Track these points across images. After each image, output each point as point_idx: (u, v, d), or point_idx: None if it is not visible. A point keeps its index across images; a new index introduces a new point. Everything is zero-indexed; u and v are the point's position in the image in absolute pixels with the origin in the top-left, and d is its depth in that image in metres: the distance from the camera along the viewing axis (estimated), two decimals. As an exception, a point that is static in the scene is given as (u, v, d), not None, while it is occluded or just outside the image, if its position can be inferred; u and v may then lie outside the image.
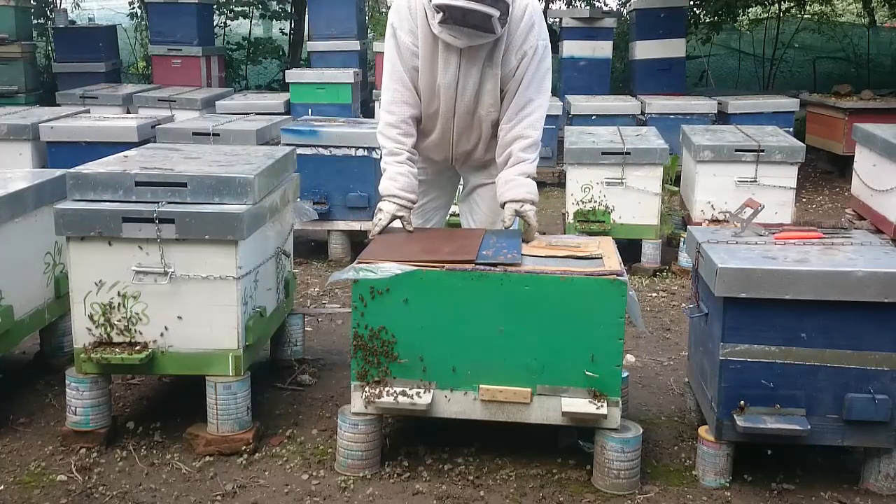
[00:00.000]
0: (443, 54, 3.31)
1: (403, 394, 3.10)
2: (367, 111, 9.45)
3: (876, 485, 3.12)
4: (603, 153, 5.78)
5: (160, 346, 3.27)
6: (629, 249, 5.54)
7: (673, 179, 6.93)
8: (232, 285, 3.23)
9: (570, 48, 10.70)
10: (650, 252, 5.86)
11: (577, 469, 3.21)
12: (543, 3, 14.08)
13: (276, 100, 8.91)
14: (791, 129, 8.31)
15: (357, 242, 6.03)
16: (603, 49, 10.67)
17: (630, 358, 4.31)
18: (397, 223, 3.45)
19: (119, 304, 3.25)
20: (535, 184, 3.42)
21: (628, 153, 5.76)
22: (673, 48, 10.64)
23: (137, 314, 3.25)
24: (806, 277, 2.96)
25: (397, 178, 3.40)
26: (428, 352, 3.09)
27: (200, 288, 3.23)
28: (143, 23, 12.84)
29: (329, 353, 4.34)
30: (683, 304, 4.99)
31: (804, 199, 8.42)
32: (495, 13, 3.09)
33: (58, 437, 3.39)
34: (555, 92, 10.40)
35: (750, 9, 14.56)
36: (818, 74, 14.07)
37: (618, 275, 3.01)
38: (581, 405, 3.04)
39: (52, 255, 3.91)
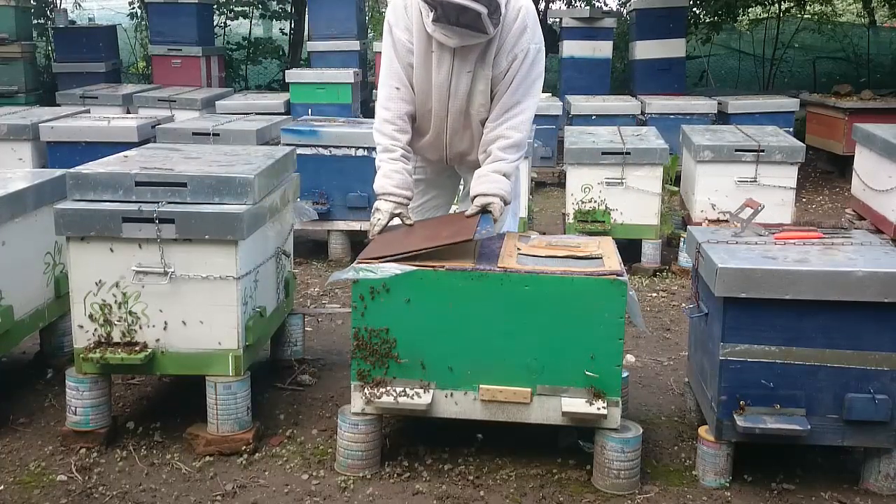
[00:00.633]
0: (436, 54, 3.32)
1: (403, 394, 3.10)
2: (367, 111, 9.44)
3: (876, 485, 3.12)
4: (603, 153, 5.78)
5: (160, 346, 3.27)
6: (629, 249, 5.54)
7: (673, 179, 6.93)
8: (232, 285, 3.23)
9: (570, 48, 10.70)
10: (650, 252, 5.86)
11: (577, 469, 3.21)
12: (543, 3, 14.08)
13: (276, 100, 8.91)
14: (791, 129, 8.31)
15: (357, 242, 6.02)
16: (603, 49, 10.67)
17: (630, 358, 4.31)
18: (396, 220, 3.45)
19: (119, 304, 3.25)
20: (508, 182, 3.39)
21: (628, 153, 5.76)
22: (673, 48, 10.64)
23: (137, 314, 3.25)
24: (806, 277, 2.97)
25: (392, 175, 3.39)
26: (428, 352, 3.09)
27: (200, 288, 3.23)
28: (143, 23, 12.84)
29: (329, 353, 4.34)
30: (683, 304, 4.99)
31: (804, 199, 8.42)
32: (483, 10, 3.09)
33: (58, 437, 3.39)
34: (555, 92, 10.43)
35: (750, 9, 14.57)
36: (818, 74, 14.08)
37: (618, 275, 3.01)
38: (581, 405, 3.04)
39: (52, 255, 3.91)
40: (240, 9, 13.43)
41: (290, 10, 13.60)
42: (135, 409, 3.68)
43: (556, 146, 8.52)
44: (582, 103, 8.73)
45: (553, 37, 13.26)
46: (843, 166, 9.10)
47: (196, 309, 3.24)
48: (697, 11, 13.21)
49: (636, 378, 4.06)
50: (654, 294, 5.42)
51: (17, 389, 3.83)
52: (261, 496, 3.05)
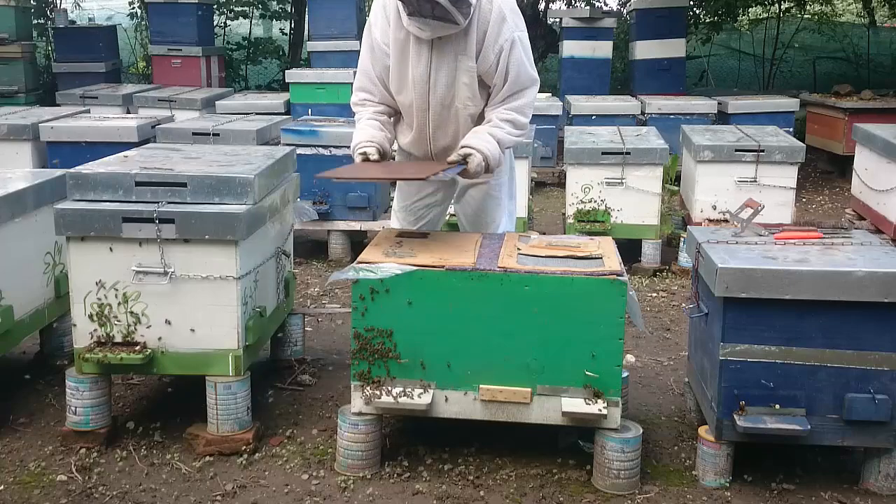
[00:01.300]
0: (414, 48, 3.37)
1: (403, 394, 3.10)
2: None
3: (876, 485, 3.12)
4: (603, 153, 5.78)
5: (160, 346, 3.27)
6: (629, 249, 5.54)
7: (673, 179, 6.93)
8: (232, 285, 3.23)
9: (570, 48, 10.70)
10: (650, 252, 5.86)
11: (577, 469, 3.21)
12: (543, 3, 14.08)
13: (276, 100, 8.91)
14: (791, 129, 8.31)
15: (357, 242, 6.03)
16: (603, 49, 10.66)
17: (630, 358, 4.31)
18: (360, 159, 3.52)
19: (119, 304, 3.25)
20: (496, 146, 3.39)
21: (628, 153, 5.76)
22: (673, 48, 10.64)
23: (137, 314, 3.25)
24: (806, 277, 2.97)
25: (355, 135, 3.52)
26: (428, 352, 3.09)
27: (200, 288, 3.23)
28: (143, 23, 12.83)
29: (329, 353, 4.34)
30: (683, 304, 4.99)
31: (804, 199, 8.42)
32: (444, 1, 3.12)
33: (58, 437, 3.39)
34: (555, 92, 10.43)
35: (750, 9, 14.57)
36: (818, 74, 14.08)
37: (618, 275, 3.01)
38: (581, 405, 3.04)
39: (52, 255, 3.91)
40: (240, 9, 13.43)
41: (290, 10, 13.60)
42: (135, 409, 3.68)
43: (556, 146, 8.51)
44: (582, 103, 8.73)
45: (553, 37, 13.29)
46: (843, 166, 9.10)
47: (196, 309, 3.24)
48: (697, 11, 13.21)
49: (636, 378, 4.06)
50: (654, 294, 5.42)
51: (17, 389, 3.83)
52: (261, 496, 3.06)
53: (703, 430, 3.18)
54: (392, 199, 4.02)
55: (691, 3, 12.49)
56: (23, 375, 3.96)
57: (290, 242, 3.99)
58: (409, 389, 3.11)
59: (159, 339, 3.26)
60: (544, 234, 4.68)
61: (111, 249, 3.22)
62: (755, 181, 5.76)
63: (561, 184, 7.86)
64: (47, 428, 3.52)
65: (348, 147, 5.84)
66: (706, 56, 14.16)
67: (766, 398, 3.04)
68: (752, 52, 14.61)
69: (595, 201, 5.82)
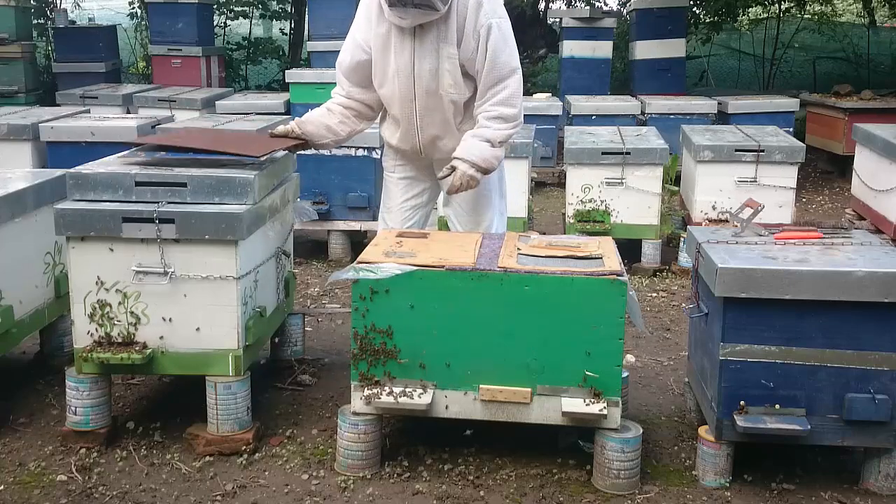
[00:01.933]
0: (397, 39, 3.45)
1: (403, 394, 3.10)
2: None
3: (876, 485, 3.12)
4: (603, 153, 5.78)
5: (160, 346, 3.27)
6: (629, 249, 5.54)
7: (673, 179, 6.92)
8: (232, 285, 3.23)
9: (570, 48, 10.69)
10: (650, 252, 5.86)
11: (577, 469, 3.21)
12: (543, 3, 14.08)
13: (276, 100, 8.90)
14: (791, 129, 8.30)
15: (357, 242, 6.03)
16: (603, 49, 10.66)
17: (630, 358, 4.31)
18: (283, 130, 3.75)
19: (119, 304, 3.25)
20: (489, 149, 3.47)
21: (628, 153, 5.76)
22: (673, 48, 10.63)
23: (137, 314, 3.25)
24: (806, 277, 2.97)
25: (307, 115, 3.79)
26: (428, 352, 3.09)
27: (200, 288, 3.23)
28: (143, 23, 12.83)
29: (329, 353, 4.34)
30: (683, 304, 4.99)
31: (804, 199, 8.42)
32: None
33: (58, 437, 3.39)
34: (555, 92, 10.43)
35: (750, 9, 14.56)
36: (818, 74, 14.07)
37: (618, 275, 3.01)
38: (581, 405, 3.04)
39: (52, 255, 3.91)
40: (240, 9, 13.42)
41: (290, 10, 13.59)
42: (135, 409, 3.68)
43: (556, 146, 8.52)
44: (582, 103, 8.73)
45: (553, 37, 13.29)
46: (843, 166, 9.10)
47: (196, 309, 3.24)
48: (697, 11, 13.21)
49: (636, 378, 4.06)
50: (654, 294, 5.42)
51: (17, 389, 3.83)
52: (261, 496, 3.05)
53: (703, 430, 3.18)
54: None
55: (691, 3, 12.48)
56: (23, 375, 3.95)
57: (290, 242, 3.99)
58: (409, 389, 3.11)
59: (159, 339, 3.26)
60: (544, 234, 4.68)
61: (111, 249, 3.22)
62: (755, 181, 5.76)
63: (561, 184, 7.85)
64: (47, 428, 3.52)
65: (348, 147, 5.93)
66: (706, 56, 14.16)
67: (766, 398, 3.04)
68: (752, 52, 14.60)
69: (595, 201, 5.82)
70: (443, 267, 3.06)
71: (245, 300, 3.30)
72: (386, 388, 3.12)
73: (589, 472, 3.16)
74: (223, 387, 3.27)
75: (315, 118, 3.78)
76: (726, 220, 5.40)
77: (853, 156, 6.66)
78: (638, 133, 6.39)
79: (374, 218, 5.97)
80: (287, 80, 9.03)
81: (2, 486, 3.11)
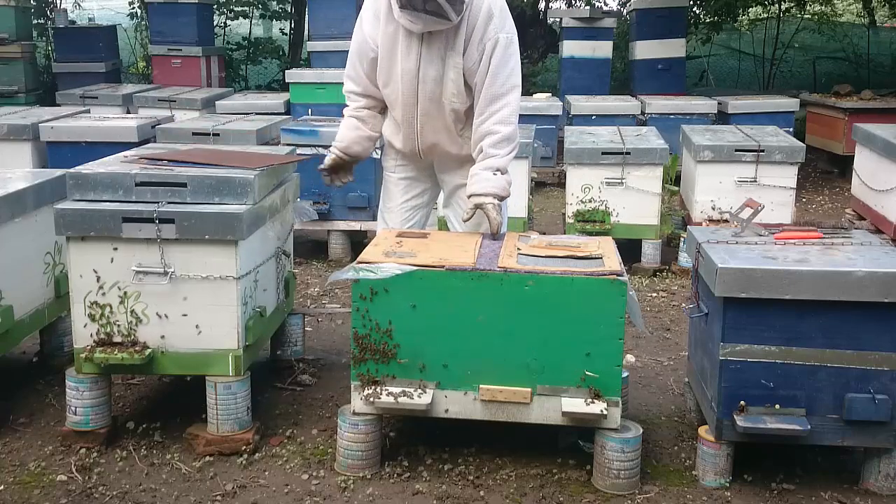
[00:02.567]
0: (404, 41, 3.39)
1: (403, 394, 3.10)
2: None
3: (876, 485, 3.12)
4: (603, 153, 5.78)
5: (160, 346, 3.27)
6: (629, 249, 5.54)
7: (673, 179, 6.92)
8: (232, 285, 3.23)
9: (570, 48, 10.69)
10: (650, 252, 5.86)
11: (577, 469, 3.21)
12: (543, 3, 14.08)
13: (276, 100, 8.91)
14: (791, 129, 8.31)
15: (357, 242, 6.03)
16: (603, 49, 10.66)
17: (630, 358, 4.31)
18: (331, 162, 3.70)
19: (119, 304, 3.24)
20: (502, 178, 3.45)
21: (628, 153, 5.76)
22: (673, 48, 10.64)
23: (137, 314, 3.25)
24: (806, 277, 2.97)
25: (339, 132, 3.71)
26: (428, 352, 3.09)
27: (200, 288, 3.23)
28: (143, 23, 12.84)
29: (329, 353, 4.34)
30: (683, 304, 4.99)
31: (804, 199, 8.42)
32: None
33: (58, 437, 3.39)
34: (555, 92, 10.42)
35: (750, 9, 14.56)
36: (818, 74, 14.07)
37: (618, 275, 3.01)
38: (581, 405, 3.04)
39: (52, 255, 3.91)
40: (240, 9, 13.43)
41: (290, 10, 13.59)
42: (135, 409, 3.68)
43: (556, 146, 8.52)
44: (582, 103, 8.73)
45: (553, 37, 13.28)
46: (843, 166, 9.11)
47: (196, 309, 3.24)
48: (697, 11, 13.21)
49: (636, 378, 4.06)
50: (654, 294, 5.42)
51: (17, 389, 3.83)
52: (261, 496, 3.06)
53: (703, 430, 3.18)
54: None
55: (691, 3, 12.48)
56: (23, 375, 3.95)
57: (290, 242, 3.99)
58: (409, 389, 3.11)
59: (159, 339, 3.26)
60: (544, 234, 4.67)
61: (111, 249, 3.22)
62: (755, 181, 5.76)
63: (561, 184, 7.86)
64: (47, 428, 3.52)
65: (348, 147, 5.91)
66: (706, 56, 14.16)
67: (766, 398, 3.04)
68: (752, 52, 14.61)
69: (595, 201, 5.82)
70: (443, 267, 3.06)
71: (245, 300, 3.30)
72: (386, 388, 3.12)
73: (589, 472, 3.16)
74: (223, 387, 3.27)
75: (353, 136, 3.67)
76: (726, 221, 5.40)
77: (853, 156, 6.66)
78: (638, 133, 6.39)
79: (374, 218, 5.96)
80: (287, 80, 9.05)
81: (2, 486, 3.11)
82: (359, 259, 3.15)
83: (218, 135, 6.17)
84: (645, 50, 10.66)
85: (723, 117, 8.66)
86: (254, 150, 4.30)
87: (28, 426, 3.55)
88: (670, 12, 10.64)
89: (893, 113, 8.61)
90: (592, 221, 5.79)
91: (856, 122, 6.95)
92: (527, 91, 9.35)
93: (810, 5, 14.79)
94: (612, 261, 3.16)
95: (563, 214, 6.15)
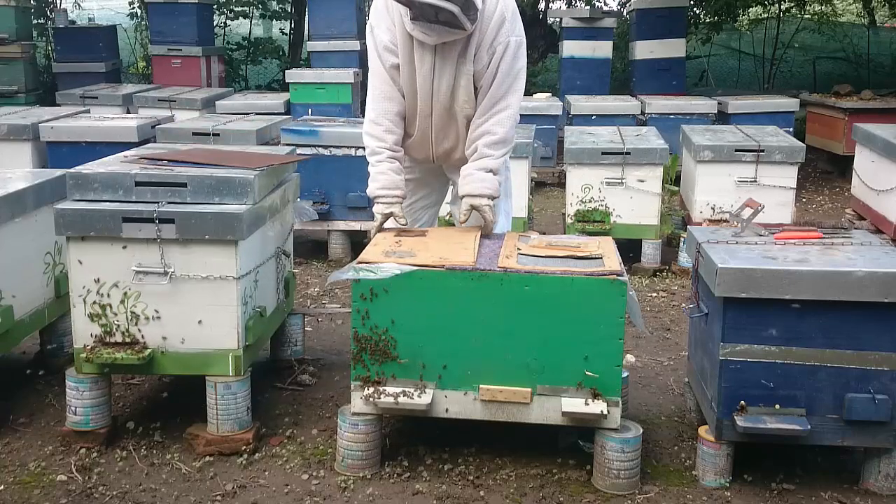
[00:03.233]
0: (417, 52, 3.36)
1: (403, 394, 3.10)
2: (367, 111, 9.44)
3: (876, 485, 3.12)
4: (603, 153, 5.78)
5: (160, 346, 3.27)
6: (629, 249, 5.54)
7: (673, 179, 6.92)
8: (232, 285, 3.23)
9: (570, 48, 10.69)
10: (650, 252, 5.86)
11: (577, 469, 3.21)
12: (543, 3, 14.07)
13: (276, 100, 8.91)
14: (791, 129, 8.31)
15: (357, 242, 6.03)
16: (603, 49, 10.66)
17: (630, 358, 4.31)
18: (392, 222, 3.51)
19: (119, 304, 3.24)
20: (495, 179, 3.45)
21: (628, 153, 5.76)
22: (673, 48, 10.63)
23: (137, 314, 3.25)
24: (806, 277, 2.97)
25: (378, 178, 3.49)
26: (428, 352, 3.09)
27: (200, 288, 3.23)
28: (143, 23, 12.83)
29: (329, 353, 4.34)
30: (683, 304, 4.99)
31: (804, 199, 8.42)
32: (455, 8, 3.11)
33: (58, 437, 3.39)
34: (555, 92, 10.42)
35: (750, 9, 14.56)
36: (818, 74, 14.07)
37: (618, 275, 3.01)
38: (581, 405, 3.04)
39: (52, 255, 3.91)
40: (240, 9, 13.42)
41: (290, 10, 13.59)
42: (135, 409, 3.68)
43: (556, 146, 8.51)
44: (582, 103, 8.73)
45: (553, 37, 13.28)
46: (843, 166, 9.10)
47: (196, 309, 3.24)
48: (697, 11, 13.21)
49: (636, 378, 4.06)
50: (654, 294, 5.42)
51: (17, 389, 3.83)
52: (261, 496, 3.05)
53: (703, 430, 3.18)
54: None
55: (691, 3, 12.48)
56: (23, 375, 3.95)
57: (290, 242, 3.99)
58: (409, 389, 3.11)
59: (159, 339, 3.26)
60: (544, 234, 4.67)
61: (111, 249, 3.22)
62: (755, 181, 5.76)
63: (561, 184, 7.85)
64: (47, 428, 3.52)
65: (348, 147, 5.93)
66: (706, 56, 14.15)
67: (766, 398, 3.04)
68: (752, 52, 14.60)
69: (595, 201, 5.82)
70: (443, 267, 3.06)
71: (245, 300, 3.30)
72: (386, 388, 3.11)
73: (589, 472, 3.16)
74: (223, 387, 3.27)
75: (399, 180, 3.50)
76: (726, 221, 5.40)
77: (853, 156, 6.66)
78: (638, 133, 6.39)
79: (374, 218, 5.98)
80: (287, 80, 9.05)
81: (2, 486, 3.11)
82: (358, 259, 3.15)
83: (218, 135, 6.17)
84: (645, 50, 10.66)
85: (723, 117, 8.66)
86: (254, 150, 4.31)
87: (28, 426, 3.55)
88: (670, 12, 10.64)
89: (893, 113, 8.60)
90: (592, 221, 5.79)
91: (856, 122, 6.95)
92: (527, 91, 9.29)
93: (810, 5, 14.79)
94: (612, 261, 3.16)
95: (563, 214, 6.15)
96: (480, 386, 3.08)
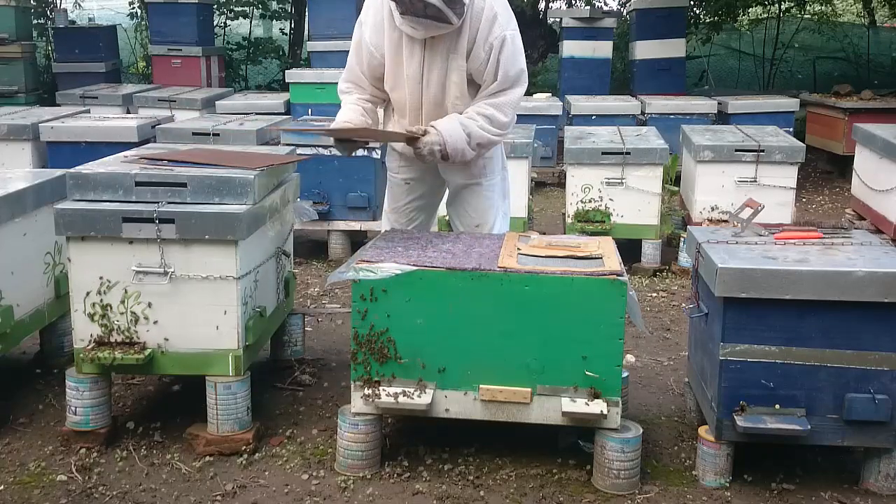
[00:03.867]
0: (407, 47, 3.40)
1: (403, 394, 3.10)
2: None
3: (876, 485, 3.12)
4: (603, 153, 5.78)
5: (160, 346, 3.27)
6: (629, 249, 5.54)
7: (673, 179, 6.93)
8: (232, 285, 3.23)
9: (570, 48, 10.70)
10: (650, 252, 5.86)
11: (577, 469, 3.21)
12: (543, 3, 14.07)
13: (276, 100, 8.91)
14: (791, 129, 8.31)
15: (357, 242, 6.03)
16: (603, 49, 10.66)
17: (630, 358, 4.31)
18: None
19: (119, 304, 3.25)
20: (464, 139, 3.38)
21: (628, 153, 5.76)
22: (673, 48, 10.64)
23: (137, 314, 3.25)
24: (806, 277, 2.97)
25: (337, 116, 3.63)
26: (428, 352, 3.09)
27: (200, 288, 3.23)
28: (143, 23, 12.84)
29: (329, 353, 4.34)
30: (683, 304, 4.99)
31: (804, 199, 8.42)
32: (438, 2, 3.14)
33: (58, 437, 3.39)
34: (555, 92, 10.42)
35: (750, 9, 14.56)
36: (818, 74, 14.07)
37: (618, 275, 3.01)
38: (581, 405, 3.04)
39: (52, 255, 3.91)
40: (240, 9, 13.43)
41: (290, 10, 13.59)
42: (135, 409, 3.68)
43: (556, 146, 8.52)
44: (582, 103, 8.73)
45: (553, 37, 13.28)
46: (843, 166, 9.10)
47: (196, 309, 3.24)
48: (697, 11, 13.21)
49: (636, 378, 4.06)
50: (654, 294, 5.42)
51: (17, 389, 3.83)
52: (261, 496, 3.06)
53: (703, 430, 3.18)
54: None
55: (691, 3, 12.48)
56: (23, 375, 3.95)
57: (290, 242, 3.99)
58: (409, 389, 3.11)
59: (159, 339, 3.26)
60: (544, 234, 4.67)
61: (111, 249, 3.22)
62: (755, 181, 5.76)
63: (561, 184, 7.85)
64: (47, 428, 3.52)
65: (348, 147, 5.90)
66: (706, 56, 14.16)
67: (766, 398, 3.04)
68: (752, 52, 14.60)
69: (595, 201, 5.82)
70: (443, 267, 3.06)
71: (245, 300, 3.30)
72: (386, 388, 3.12)
73: (589, 472, 3.16)
74: (223, 387, 3.27)
75: (357, 118, 3.57)
76: (726, 221, 5.40)
77: (853, 156, 6.66)
78: (638, 133, 6.39)
79: (374, 218, 5.99)
80: (287, 80, 9.05)
81: (2, 487, 3.11)
82: (358, 259, 3.15)
83: (218, 135, 6.17)
84: (645, 50, 10.66)
85: (723, 117, 8.66)
86: (254, 150, 4.31)
87: (28, 426, 3.55)
88: (670, 12, 10.65)
89: (893, 113, 8.61)
90: (592, 221, 5.79)
91: (856, 122, 6.95)
92: (527, 91, 9.32)
93: (810, 5, 14.79)
94: (612, 261, 3.16)
95: (563, 214, 6.15)
96: (480, 386, 3.08)
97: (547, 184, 8.69)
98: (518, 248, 3.29)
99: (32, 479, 3.15)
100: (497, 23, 3.34)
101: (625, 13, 13.45)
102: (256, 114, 7.81)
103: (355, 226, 6.06)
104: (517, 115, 3.59)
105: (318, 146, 5.90)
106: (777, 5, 14.23)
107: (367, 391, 3.12)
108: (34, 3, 11.90)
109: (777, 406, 3.04)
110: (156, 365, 3.29)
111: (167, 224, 3.18)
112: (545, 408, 3.09)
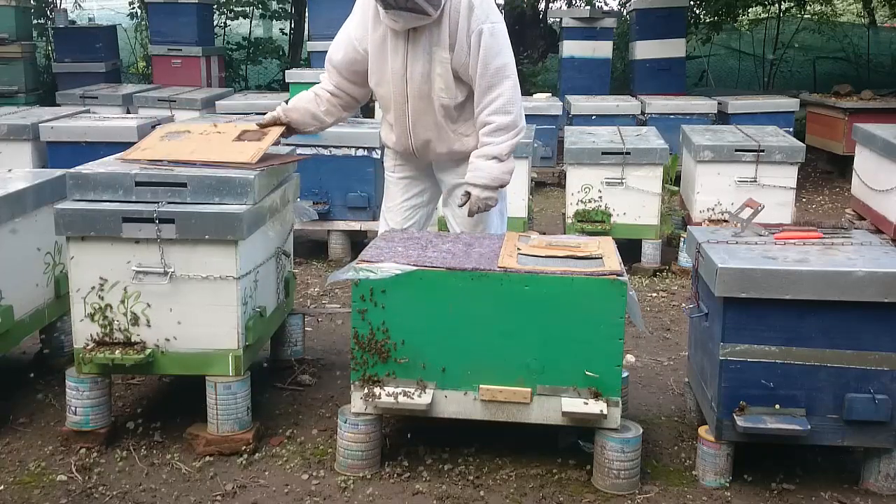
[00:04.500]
0: (391, 42, 3.48)
1: (403, 394, 3.10)
2: (367, 111, 9.45)
3: (876, 485, 3.12)
4: (603, 153, 5.78)
5: (160, 346, 3.27)
6: (629, 249, 5.54)
7: (673, 179, 6.92)
8: (232, 285, 3.23)
9: (570, 48, 10.70)
10: (650, 252, 5.86)
11: (577, 469, 3.21)
12: (543, 3, 14.08)
13: (276, 100, 8.88)
14: (791, 129, 8.31)
15: (357, 242, 6.03)
16: (603, 49, 10.67)
17: (630, 358, 4.31)
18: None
19: (119, 304, 3.24)
20: (496, 166, 3.49)
21: (628, 153, 5.76)
22: (673, 48, 10.64)
23: (137, 314, 3.25)
24: (806, 277, 2.97)
25: (295, 99, 3.85)
26: (428, 352, 3.09)
27: (200, 288, 3.23)
28: (143, 23, 12.84)
29: (329, 353, 4.34)
30: (683, 304, 4.99)
31: (804, 199, 8.42)
32: None
33: (58, 437, 3.39)
34: (555, 92, 10.43)
35: (750, 9, 14.57)
36: (818, 74, 14.07)
37: (618, 275, 3.01)
38: (581, 405, 3.04)
39: (52, 255, 3.91)
40: (240, 9, 13.44)
41: (290, 10, 13.60)
42: (135, 409, 3.68)
43: (556, 146, 8.52)
44: (582, 103, 8.74)
45: (553, 37, 13.29)
46: (843, 166, 9.10)
47: (196, 309, 3.24)
48: (697, 11, 13.21)
49: (636, 378, 4.06)
50: (654, 294, 5.42)
51: (17, 389, 3.83)
52: (261, 496, 3.06)
53: (703, 430, 3.18)
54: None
55: (691, 3, 12.49)
56: (23, 375, 3.95)
57: (290, 242, 3.99)
58: (409, 389, 3.11)
59: (159, 339, 3.26)
60: (544, 234, 4.67)
61: (111, 249, 3.22)
62: (755, 181, 5.76)
63: (561, 184, 7.86)
64: (47, 428, 3.51)
65: (348, 147, 5.93)
66: (706, 56, 14.16)
67: (766, 398, 3.04)
68: (752, 52, 14.61)
69: (595, 201, 5.82)
70: (443, 267, 3.06)
71: (245, 300, 3.30)
72: (386, 388, 3.11)
73: (589, 472, 3.16)
74: (223, 387, 3.27)
75: (302, 106, 3.82)
76: (726, 221, 5.40)
77: (853, 156, 6.66)
78: (638, 133, 6.39)
79: (374, 218, 5.99)
80: (287, 80, 9.05)
81: (2, 487, 3.11)
82: (358, 259, 3.15)
83: (218, 135, 6.15)
84: (645, 50, 10.67)
85: (723, 117, 8.66)
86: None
87: (28, 426, 3.55)
88: (670, 12, 10.65)
89: (893, 113, 8.61)
90: (592, 221, 5.79)
91: (856, 122, 6.96)
92: (527, 91, 9.35)
93: (810, 5, 14.79)
94: (612, 261, 3.16)
95: (563, 214, 6.15)
96: (480, 386, 3.08)
97: (547, 184, 8.69)
98: (518, 248, 3.29)
99: (32, 479, 3.15)
100: (474, 15, 3.39)
101: (625, 13, 13.47)
102: (256, 114, 7.78)
103: (355, 226, 6.06)
104: None
105: (318, 146, 5.90)
106: (777, 5, 14.23)
107: (366, 391, 3.12)
108: (34, 3, 11.89)
109: (777, 406, 3.04)
110: (156, 365, 3.29)
111: (167, 224, 3.18)
112: (545, 408, 3.09)
